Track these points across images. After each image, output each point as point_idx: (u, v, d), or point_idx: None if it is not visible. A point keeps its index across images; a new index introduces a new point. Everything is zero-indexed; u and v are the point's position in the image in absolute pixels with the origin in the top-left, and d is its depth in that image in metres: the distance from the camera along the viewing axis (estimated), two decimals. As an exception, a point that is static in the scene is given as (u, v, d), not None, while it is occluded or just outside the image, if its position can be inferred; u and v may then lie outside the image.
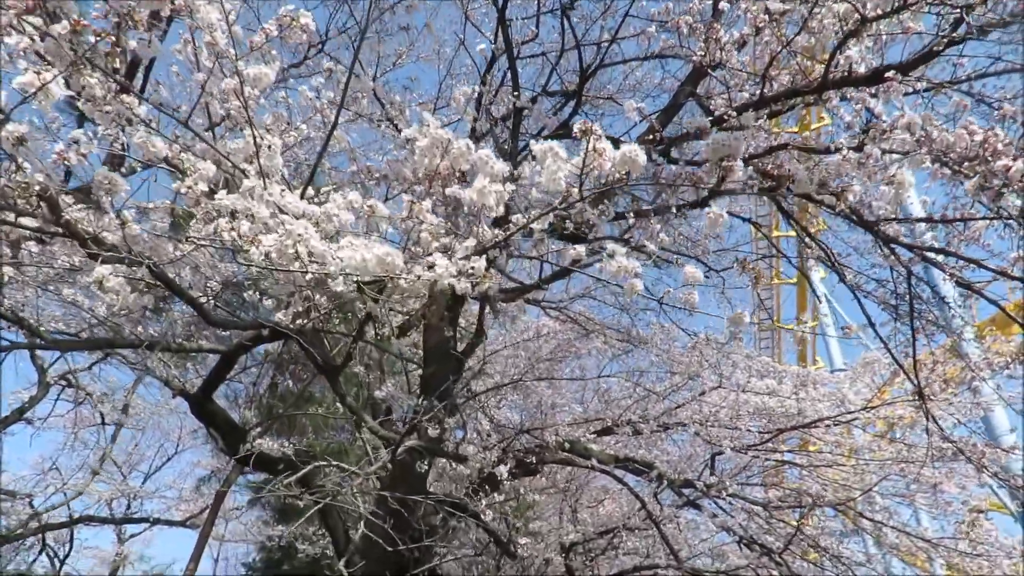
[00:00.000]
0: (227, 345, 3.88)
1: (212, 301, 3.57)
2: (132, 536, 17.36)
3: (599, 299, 9.55)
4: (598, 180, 1.88)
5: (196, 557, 7.48)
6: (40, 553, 14.05)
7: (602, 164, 1.85)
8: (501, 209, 2.07)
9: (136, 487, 16.01)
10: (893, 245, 4.10)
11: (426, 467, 5.14)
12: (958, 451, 5.26)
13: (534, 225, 2.20)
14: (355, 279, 1.83)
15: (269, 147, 1.98)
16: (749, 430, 8.84)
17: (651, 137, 4.35)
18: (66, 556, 15.55)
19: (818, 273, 20.23)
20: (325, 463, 4.60)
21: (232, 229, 1.70)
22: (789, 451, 9.17)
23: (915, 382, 4.47)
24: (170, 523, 13.36)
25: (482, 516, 6.17)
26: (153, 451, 17.24)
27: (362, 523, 5.80)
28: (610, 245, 2.47)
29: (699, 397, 9.17)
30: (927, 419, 4.75)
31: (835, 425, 8.48)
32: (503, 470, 5.36)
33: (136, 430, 16.60)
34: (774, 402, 9.07)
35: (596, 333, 9.44)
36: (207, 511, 14.48)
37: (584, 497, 15.76)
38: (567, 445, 7.71)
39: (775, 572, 8.03)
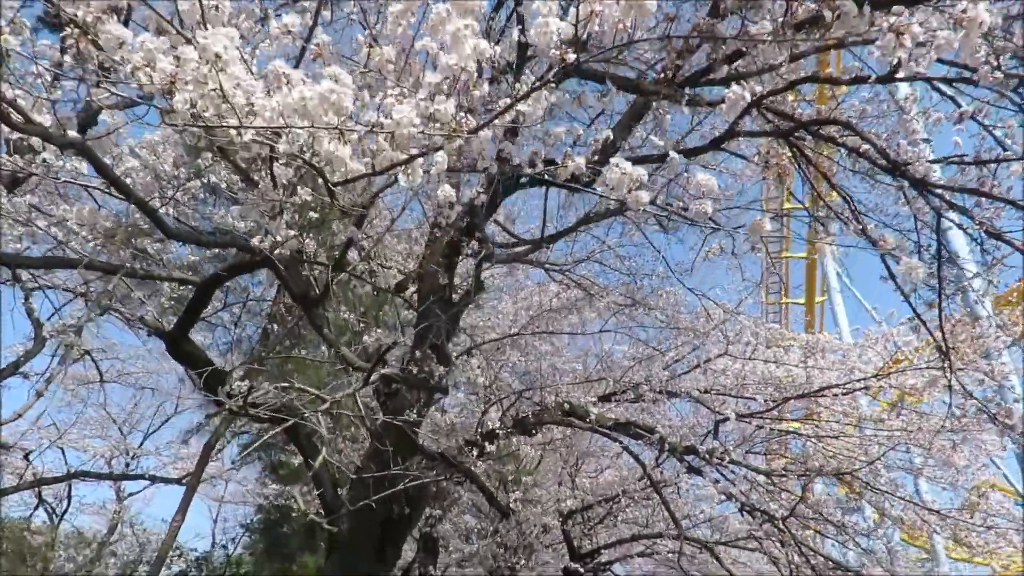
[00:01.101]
0: (201, 276, 3.63)
1: (169, 210, 3.29)
2: (131, 495, 17.36)
3: (604, 263, 9.27)
4: (599, 41, 1.60)
5: (183, 509, 7.36)
6: (36, 507, 14.02)
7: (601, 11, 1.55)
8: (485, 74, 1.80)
9: (134, 445, 15.96)
10: (920, 189, 3.79)
11: (415, 416, 4.90)
12: (981, 409, 4.99)
13: (524, 107, 1.91)
14: (301, 138, 1.55)
15: (217, 8, 1.69)
16: (754, 399, 8.60)
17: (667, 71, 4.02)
18: (64, 511, 15.56)
19: (830, 249, 19.87)
20: (308, 408, 4.36)
21: (149, 71, 1.43)
22: (795, 421, 8.93)
23: (942, 340, 4.20)
24: (166, 481, 13.26)
25: (476, 474, 5.97)
26: (152, 410, 17.19)
27: (348, 485, 5.61)
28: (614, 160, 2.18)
29: (704, 364, 8.92)
30: (950, 375, 4.47)
31: (844, 394, 8.24)
32: (494, 416, 5.12)
33: (136, 388, 16.52)
34: (781, 372, 8.82)
35: (599, 296, 9.15)
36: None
37: (583, 467, 15.64)
38: (567, 406, 7.50)
39: (777, 542, 7.87)
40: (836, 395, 8.14)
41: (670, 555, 15.85)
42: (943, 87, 3.96)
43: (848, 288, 18.97)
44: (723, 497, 12.42)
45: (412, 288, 6.50)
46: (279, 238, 2.81)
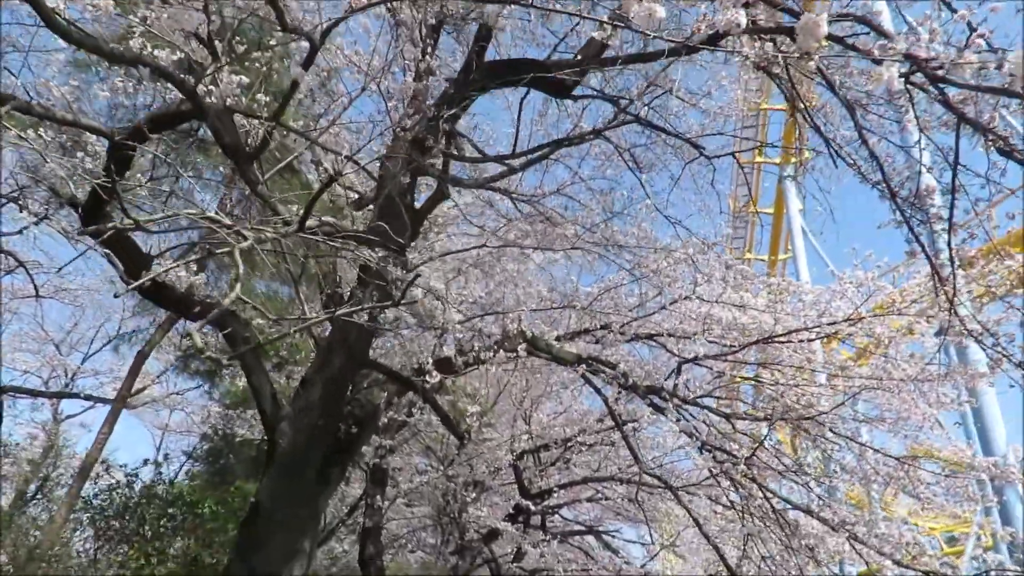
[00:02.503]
0: (114, 128, 3.06)
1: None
2: (69, 417, 16.70)
3: (575, 198, 8.85)
4: None
5: (110, 421, 6.90)
6: (-36, 423, 13.27)
7: None
8: None
9: (73, 365, 15.27)
10: (937, 86, 3.41)
11: (368, 322, 4.45)
12: (977, 340, 4.77)
13: None
14: None
15: None
16: (717, 342, 8.37)
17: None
18: (-6, 430, 14.85)
19: (796, 204, 19.79)
20: (246, 302, 3.88)
21: None
22: (759, 365, 8.74)
23: (950, 261, 3.88)
24: (103, 400, 12.67)
25: (431, 395, 5.59)
26: (93, 331, 16.43)
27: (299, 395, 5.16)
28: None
29: (669, 305, 8.65)
30: (949, 307, 4.19)
31: (812, 340, 8.05)
32: (450, 341, 4.71)
33: (75, 306, 15.71)
34: (746, 318, 8.58)
35: (567, 230, 8.72)
36: (144, 391, 13.84)
37: (538, 409, 15.52)
38: (528, 335, 7.15)
39: (735, 484, 7.74)
40: (804, 340, 7.94)
41: (620, 500, 15.97)
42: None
43: (813, 247, 18.95)
44: (684, 437, 12.39)
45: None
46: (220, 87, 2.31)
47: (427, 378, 4.82)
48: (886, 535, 5.99)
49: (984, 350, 4.73)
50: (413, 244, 5.22)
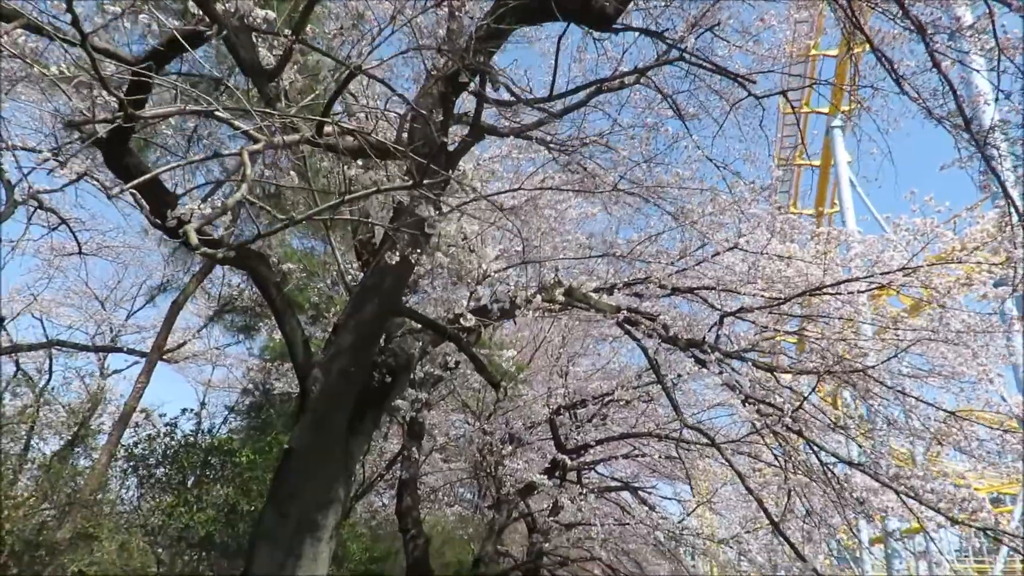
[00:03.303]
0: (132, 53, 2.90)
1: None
2: (115, 372, 17.11)
3: (614, 147, 8.50)
4: None
5: (147, 371, 6.96)
6: (15, 375, 13.66)
7: None
8: None
9: (116, 319, 15.55)
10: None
11: (405, 256, 4.27)
12: None
13: None
14: None
15: None
16: (760, 295, 8.05)
17: None
18: (45, 384, 15.26)
19: (844, 155, 19.01)
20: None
21: None
22: (806, 317, 8.40)
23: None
24: (143, 354, 12.87)
25: (466, 342, 5.44)
26: (137, 288, 16.70)
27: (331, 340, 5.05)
28: None
29: (712, 258, 8.33)
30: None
31: (862, 293, 7.69)
32: (486, 293, 4.52)
33: (117, 263, 15.95)
34: (792, 271, 8.21)
35: (606, 180, 8.39)
36: (184, 345, 14.06)
37: (574, 367, 15.39)
38: (566, 285, 6.94)
39: (780, 438, 7.51)
40: (854, 292, 7.59)
41: (656, 457, 15.86)
42: None
43: (862, 200, 18.26)
44: (723, 394, 12.12)
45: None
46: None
47: (462, 321, 4.66)
48: (941, 491, 5.72)
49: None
50: (446, 188, 5.01)
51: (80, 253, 14.50)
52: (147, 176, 2.74)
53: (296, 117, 2.63)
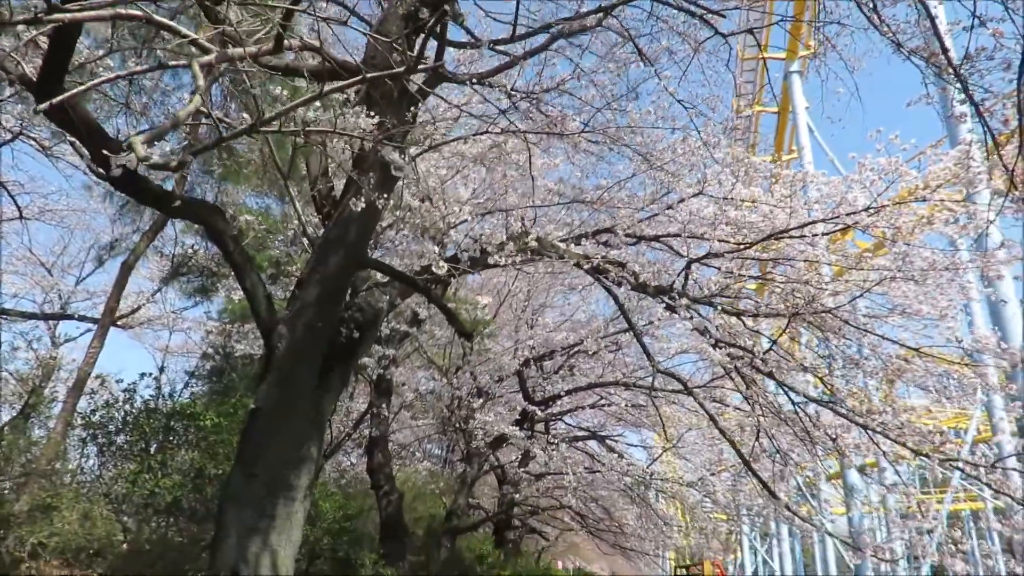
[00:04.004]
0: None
1: None
2: (68, 340, 16.52)
3: (574, 95, 8.28)
4: None
5: (100, 335, 6.64)
6: (-42, 348, 13.05)
7: None
8: None
9: (65, 286, 14.95)
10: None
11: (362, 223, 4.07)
12: None
13: None
14: None
15: None
16: (725, 241, 8.03)
17: None
18: (-9, 354, 14.66)
19: (802, 101, 19.04)
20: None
21: None
22: (772, 260, 8.42)
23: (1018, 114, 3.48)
24: (94, 320, 12.39)
25: (435, 293, 5.29)
26: (85, 253, 16.02)
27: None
28: None
29: (677, 205, 8.27)
30: (1009, 174, 3.82)
31: (827, 234, 7.73)
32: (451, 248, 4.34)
33: (63, 228, 15.26)
34: (757, 216, 8.20)
35: (568, 128, 8.19)
36: (139, 311, 13.60)
37: (540, 319, 15.39)
38: (534, 235, 6.80)
39: (748, 382, 7.59)
40: (819, 234, 7.62)
41: (623, 406, 16.07)
42: None
43: (820, 147, 18.38)
44: (689, 342, 12.22)
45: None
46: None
47: (434, 269, 4.49)
48: (907, 426, 5.83)
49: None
50: (407, 137, 4.78)
51: (21, 218, 13.82)
52: (82, 87, 2.47)
53: (250, 29, 2.41)
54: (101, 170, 3.56)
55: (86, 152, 3.55)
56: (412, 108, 4.65)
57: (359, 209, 4.04)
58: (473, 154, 6.61)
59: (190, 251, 8.83)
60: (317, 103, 3.71)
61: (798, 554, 32.42)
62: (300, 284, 4.73)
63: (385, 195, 4.39)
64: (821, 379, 6.94)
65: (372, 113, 3.58)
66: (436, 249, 4.89)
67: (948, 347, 7.73)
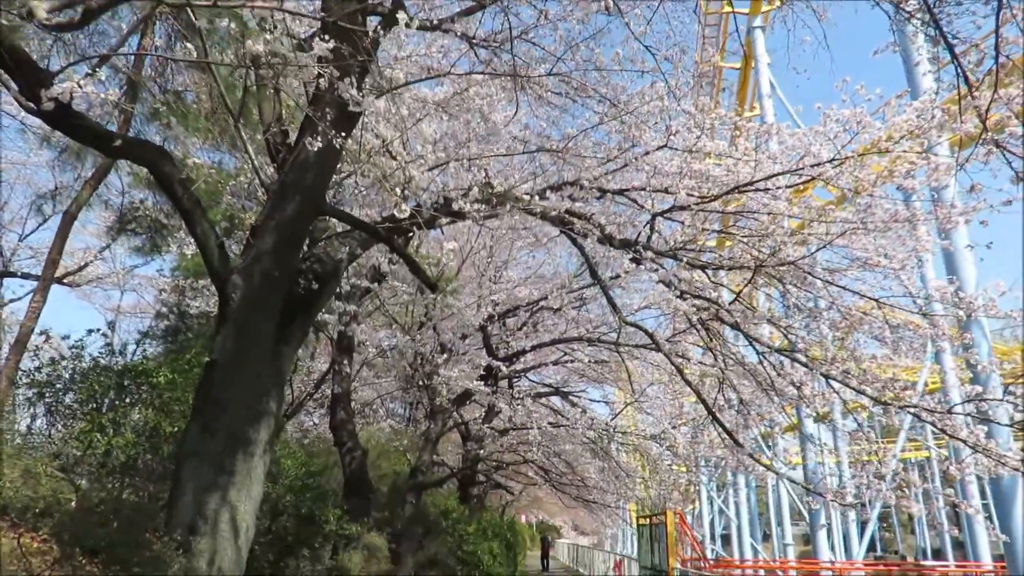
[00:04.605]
0: None
1: None
2: (12, 300, 15.85)
3: (538, 44, 8.05)
4: None
5: (41, 288, 6.31)
6: None
7: None
8: None
9: (8, 243, 14.25)
10: None
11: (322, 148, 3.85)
12: (1006, 149, 4.41)
13: None
14: None
15: None
16: (691, 195, 7.98)
17: None
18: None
19: (765, 57, 18.99)
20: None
21: None
22: (736, 213, 8.42)
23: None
24: (38, 278, 11.83)
25: (398, 243, 5.12)
26: (27, 209, 15.27)
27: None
28: None
29: (642, 157, 8.17)
30: (983, 118, 3.78)
31: (791, 187, 7.73)
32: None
33: (3, 183, 14.47)
34: (721, 170, 8.16)
35: (535, 76, 7.98)
36: (86, 267, 13.08)
37: (505, 273, 15.30)
38: (496, 186, 6.63)
39: (711, 334, 7.63)
40: (783, 187, 7.61)
41: (586, 362, 16.18)
42: None
43: (782, 104, 18.40)
44: (649, 298, 12.27)
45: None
46: None
47: (396, 212, 4.30)
48: (868, 373, 5.92)
49: (1010, 163, 4.38)
50: (364, 79, 4.54)
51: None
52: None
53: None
54: (31, 104, 3.29)
55: (14, 85, 3.26)
56: (370, 52, 4.41)
57: (315, 149, 3.83)
58: (435, 101, 6.36)
59: (138, 203, 8.39)
60: (268, 35, 3.48)
61: (753, 503, 33.56)
62: (255, 232, 4.51)
63: (343, 134, 4.17)
64: (783, 330, 6.99)
65: (326, 37, 3.35)
66: (399, 191, 4.69)
67: (905, 299, 7.88)
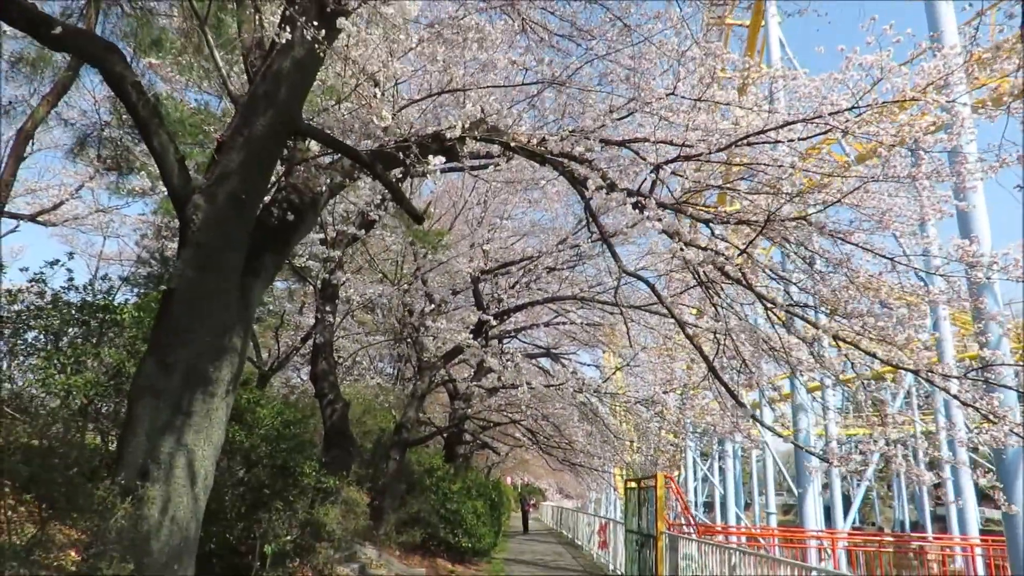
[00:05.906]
0: None
1: None
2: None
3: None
4: None
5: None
6: None
7: None
8: None
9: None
10: None
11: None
12: None
13: None
14: None
15: None
16: (698, 144, 7.53)
17: None
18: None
19: (775, 14, 18.31)
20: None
21: None
22: (743, 165, 7.96)
23: None
24: (14, 216, 11.31)
25: (383, 173, 4.65)
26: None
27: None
28: None
29: (647, 106, 7.68)
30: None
31: (804, 139, 7.28)
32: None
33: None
34: (728, 123, 7.69)
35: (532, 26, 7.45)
36: (61, 205, 12.52)
37: (499, 230, 14.84)
38: (490, 123, 6.13)
39: (720, 286, 7.23)
40: (796, 139, 7.15)
41: (579, 324, 15.81)
42: None
43: (791, 62, 17.77)
44: (647, 258, 11.85)
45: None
46: None
47: (376, 118, 3.83)
48: (883, 332, 5.55)
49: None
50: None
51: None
52: None
53: None
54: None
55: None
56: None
57: (284, 41, 3.34)
58: (427, 22, 5.81)
59: (102, 123, 7.80)
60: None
61: (738, 472, 33.70)
62: (220, 148, 4.03)
63: (324, 40, 3.67)
64: (787, 290, 6.60)
65: None
66: (387, 116, 4.21)
67: (920, 258, 7.49)
